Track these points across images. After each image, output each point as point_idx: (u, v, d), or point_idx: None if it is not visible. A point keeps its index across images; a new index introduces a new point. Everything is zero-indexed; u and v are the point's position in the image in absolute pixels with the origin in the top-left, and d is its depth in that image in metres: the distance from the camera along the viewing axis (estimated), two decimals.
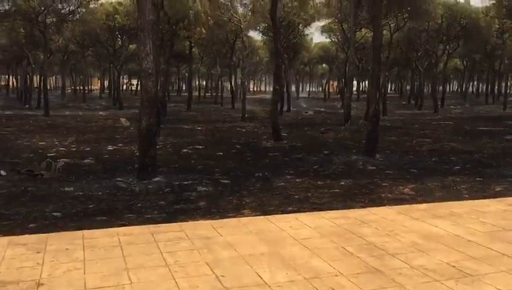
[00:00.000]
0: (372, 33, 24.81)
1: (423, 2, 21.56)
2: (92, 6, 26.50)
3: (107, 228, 5.46)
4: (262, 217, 5.53)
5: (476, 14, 28.61)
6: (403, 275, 3.70)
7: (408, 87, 66.91)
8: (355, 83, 55.19)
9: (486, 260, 3.97)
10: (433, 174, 8.76)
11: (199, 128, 18.79)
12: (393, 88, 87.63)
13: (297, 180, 8.29)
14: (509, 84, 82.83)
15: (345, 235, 4.67)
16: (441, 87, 40.95)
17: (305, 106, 38.19)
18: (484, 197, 6.78)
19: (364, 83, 74.69)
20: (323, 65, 71.92)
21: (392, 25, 26.10)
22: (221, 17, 20.94)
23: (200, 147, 12.83)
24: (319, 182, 8.07)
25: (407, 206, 6.02)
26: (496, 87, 55.27)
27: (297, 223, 5.09)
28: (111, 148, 12.51)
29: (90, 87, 76.99)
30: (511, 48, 37.67)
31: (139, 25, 7.72)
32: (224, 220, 5.41)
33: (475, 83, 69.83)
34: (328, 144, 13.41)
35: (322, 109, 33.37)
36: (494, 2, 24.92)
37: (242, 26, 20.62)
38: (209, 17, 18.58)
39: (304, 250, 4.23)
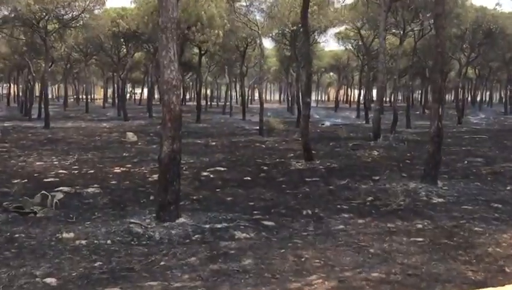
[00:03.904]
0: (398, 40, 23.26)
1: (455, 4, 19.85)
2: (96, 11, 24.94)
3: None
4: None
5: (503, 20, 26.91)
6: None
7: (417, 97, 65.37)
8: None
9: None
10: None
11: (214, 143, 17.04)
12: (399, 97, 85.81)
13: (359, 221, 6.51)
14: None
15: None
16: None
17: (317, 116, 36.37)
18: None
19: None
20: (331, 74, 70.52)
21: (416, 31, 24.46)
22: (237, 22, 19.31)
23: (222, 169, 11.06)
24: (388, 225, 6.29)
25: None
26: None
27: None
28: (118, 171, 10.78)
29: (93, 96, 75.46)
30: None
31: (160, 24, 6.01)
32: None
33: (487, 92, 67.81)
34: (369, 165, 11.64)
35: (338, 120, 31.56)
36: None
37: (260, 32, 18.96)
38: (225, 21, 16.89)
39: None
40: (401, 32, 21.99)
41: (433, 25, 8.68)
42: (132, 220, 6.29)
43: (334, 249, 5.37)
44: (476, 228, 6.07)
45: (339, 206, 7.39)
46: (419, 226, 6.24)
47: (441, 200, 7.85)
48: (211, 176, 10.16)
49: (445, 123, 31.00)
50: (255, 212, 6.96)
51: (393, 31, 23.31)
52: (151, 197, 7.66)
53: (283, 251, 5.31)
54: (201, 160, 12.53)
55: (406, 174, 10.16)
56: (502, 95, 69.67)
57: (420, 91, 62.74)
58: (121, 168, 11.03)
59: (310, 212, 6.96)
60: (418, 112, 46.98)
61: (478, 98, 60.55)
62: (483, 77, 52.44)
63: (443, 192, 8.40)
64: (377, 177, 9.61)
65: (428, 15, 23.22)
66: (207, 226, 6.16)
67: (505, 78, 50.09)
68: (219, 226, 6.18)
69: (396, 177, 9.67)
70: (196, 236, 5.78)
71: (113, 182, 9.44)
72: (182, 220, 6.28)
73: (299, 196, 8.19)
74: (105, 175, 10.19)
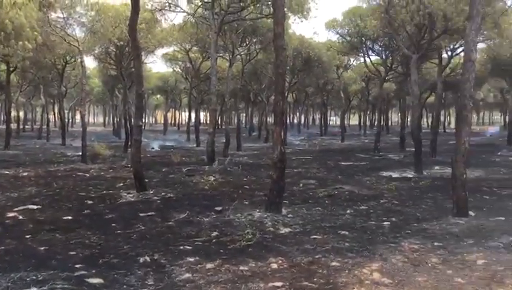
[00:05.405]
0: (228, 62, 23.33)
1: None
2: None
3: None
4: None
5: (319, 49, 29.16)
6: None
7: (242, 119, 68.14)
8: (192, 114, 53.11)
9: None
10: (376, 239, 6.82)
11: (25, 173, 14.51)
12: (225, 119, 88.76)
13: (208, 265, 5.54)
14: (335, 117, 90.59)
15: None
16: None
17: (146, 140, 34.73)
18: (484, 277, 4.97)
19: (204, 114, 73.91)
20: (158, 96, 69.56)
21: (243, 55, 24.95)
22: (53, 36, 17.06)
23: (35, 207, 9.10)
24: (241, 267, 5.46)
25: None
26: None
27: None
28: None
29: None
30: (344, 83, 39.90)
31: None
32: None
33: (302, 115, 73.71)
34: (208, 194, 10.82)
35: (168, 144, 30.58)
36: (340, 36, 25.56)
37: (80, 49, 16.99)
38: (35, 32, 14.61)
39: None
40: (230, 56, 22.09)
41: (273, 45, 8.40)
42: None
43: None
44: (333, 263, 5.60)
45: (181, 247, 6.34)
46: (274, 266, 5.54)
47: (288, 230, 7.36)
48: (20, 217, 8.21)
49: (271, 144, 32.23)
50: (78, 265, 5.50)
51: (222, 54, 23.35)
52: None
53: None
54: (8, 196, 10.31)
55: (247, 202, 9.60)
56: (315, 118, 76.86)
57: (245, 114, 65.60)
58: None
59: (148, 259, 5.76)
60: (244, 134, 48.61)
61: (296, 121, 65.42)
62: (300, 101, 56.81)
63: (288, 220, 7.96)
64: (220, 208, 8.80)
65: (254, 40, 23.93)
66: None
67: (318, 102, 55.11)
68: None
69: (239, 207, 8.99)
70: None
71: None
72: None
73: (133, 237, 6.91)
74: None
